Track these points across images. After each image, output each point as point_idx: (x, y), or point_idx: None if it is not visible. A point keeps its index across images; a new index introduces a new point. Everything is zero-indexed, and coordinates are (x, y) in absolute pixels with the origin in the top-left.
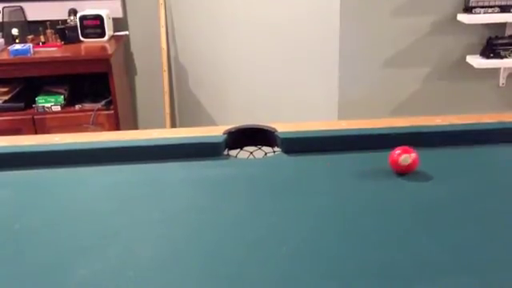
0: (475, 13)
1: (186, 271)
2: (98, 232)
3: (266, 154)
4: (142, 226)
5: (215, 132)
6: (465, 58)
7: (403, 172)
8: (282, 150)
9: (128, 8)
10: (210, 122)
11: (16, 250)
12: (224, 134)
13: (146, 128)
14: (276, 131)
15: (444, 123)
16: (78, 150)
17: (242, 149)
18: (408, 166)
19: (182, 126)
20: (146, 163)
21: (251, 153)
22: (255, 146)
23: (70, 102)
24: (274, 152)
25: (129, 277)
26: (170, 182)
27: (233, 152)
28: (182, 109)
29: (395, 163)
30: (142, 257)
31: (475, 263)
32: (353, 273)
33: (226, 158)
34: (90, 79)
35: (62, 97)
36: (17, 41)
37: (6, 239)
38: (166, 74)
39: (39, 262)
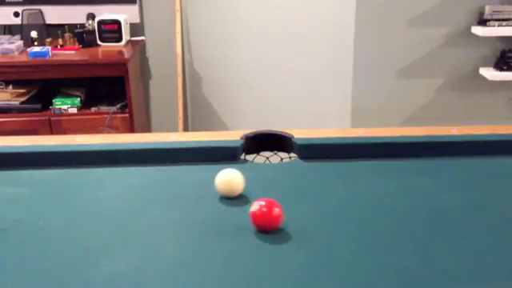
0: (489, 25)
1: (206, 271)
2: (120, 231)
3: (281, 159)
4: (163, 226)
5: (232, 137)
6: (478, 70)
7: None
8: (299, 156)
9: (145, 14)
10: (222, 127)
11: (40, 247)
12: (241, 138)
13: (159, 131)
14: (293, 137)
15: (459, 134)
16: (99, 151)
17: (258, 154)
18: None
19: (194, 130)
20: (164, 165)
21: (267, 158)
22: (271, 151)
23: (86, 105)
24: (290, 158)
25: (151, 276)
26: (188, 184)
27: (249, 157)
28: (195, 113)
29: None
30: (163, 256)
31: (490, 270)
32: (369, 278)
33: (243, 163)
34: (106, 82)
35: (79, 99)
36: (35, 43)
37: (31, 236)
38: (180, 79)
39: (63, 260)
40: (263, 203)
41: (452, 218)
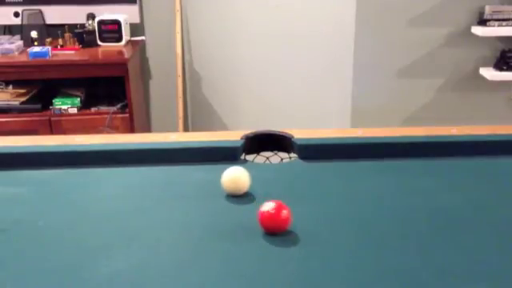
0: (489, 25)
1: (206, 271)
2: (119, 232)
3: (281, 159)
4: (162, 226)
5: (232, 137)
6: (478, 70)
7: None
8: (299, 156)
9: (145, 14)
10: (222, 127)
11: (40, 247)
12: (242, 138)
13: (159, 131)
14: (293, 137)
15: (459, 134)
16: (99, 151)
17: (258, 154)
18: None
19: (194, 130)
20: (164, 165)
21: (267, 158)
22: (271, 151)
23: (86, 105)
24: (290, 158)
25: (151, 276)
26: (188, 184)
27: (249, 157)
28: (195, 113)
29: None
30: (163, 256)
31: (491, 270)
32: (369, 277)
33: (244, 163)
34: (106, 82)
35: (79, 99)
36: (35, 43)
37: (31, 236)
38: (180, 79)
39: (63, 260)
40: (273, 205)
41: (452, 218)
